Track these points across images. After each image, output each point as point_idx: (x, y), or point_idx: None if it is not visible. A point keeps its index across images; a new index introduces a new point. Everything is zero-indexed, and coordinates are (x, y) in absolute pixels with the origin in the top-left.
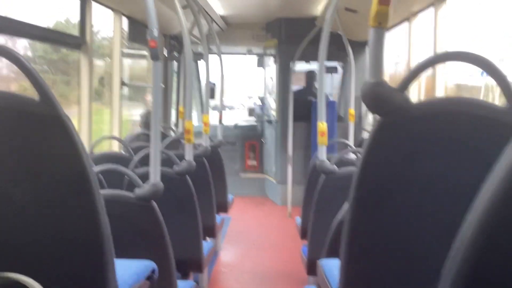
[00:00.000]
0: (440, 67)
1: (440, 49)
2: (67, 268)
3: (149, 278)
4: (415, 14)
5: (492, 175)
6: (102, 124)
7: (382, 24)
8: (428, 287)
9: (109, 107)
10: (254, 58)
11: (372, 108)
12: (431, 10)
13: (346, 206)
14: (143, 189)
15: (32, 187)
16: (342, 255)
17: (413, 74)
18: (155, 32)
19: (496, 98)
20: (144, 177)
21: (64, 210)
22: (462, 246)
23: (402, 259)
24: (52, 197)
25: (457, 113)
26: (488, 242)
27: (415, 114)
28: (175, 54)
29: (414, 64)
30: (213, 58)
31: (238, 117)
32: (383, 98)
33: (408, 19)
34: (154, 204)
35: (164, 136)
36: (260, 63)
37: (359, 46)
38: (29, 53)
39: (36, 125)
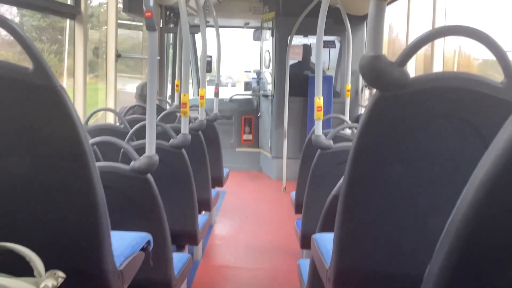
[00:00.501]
0: (438, 42)
1: (440, 23)
2: (64, 239)
3: (144, 249)
4: None
5: (487, 153)
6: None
7: None
8: (422, 261)
9: (104, 80)
10: (251, 32)
11: (370, 82)
12: None
13: (341, 181)
14: (138, 162)
15: (27, 157)
16: (336, 229)
17: (412, 49)
18: (151, 2)
19: None
20: (140, 150)
21: (60, 181)
22: (456, 221)
23: (396, 233)
24: (48, 168)
25: (455, 89)
26: (482, 216)
27: (413, 89)
28: (171, 25)
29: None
30: (209, 31)
31: (233, 90)
32: (381, 72)
33: None
34: (150, 177)
35: (159, 109)
36: (257, 37)
37: (357, 21)
38: (17, 19)
39: (30, 95)
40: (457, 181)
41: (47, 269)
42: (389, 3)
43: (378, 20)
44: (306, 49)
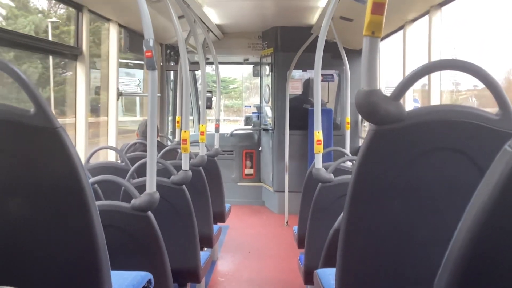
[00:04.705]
0: (435, 75)
1: (436, 57)
2: (62, 280)
3: None
4: (410, 22)
5: (482, 183)
6: None
7: (375, 34)
8: None
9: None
10: (251, 67)
11: (366, 117)
12: (426, 18)
13: (342, 215)
14: (139, 200)
15: (27, 198)
16: (338, 264)
17: (407, 83)
18: (151, 43)
19: None
20: (141, 187)
21: (59, 222)
22: (455, 250)
23: (397, 265)
24: (47, 209)
25: (451, 122)
26: (480, 245)
27: (409, 123)
28: (172, 63)
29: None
30: (210, 68)
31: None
32: (376, 107)
33: (403, 27)
34: (151, 214)
35: (160, 145)
36: (256, 72)
37: (354, 54)
38: None
39: (31, 137)
40: (455, 211)
41: None
42: (382, 39)
43: (372, 56)
44: (306, 82)
